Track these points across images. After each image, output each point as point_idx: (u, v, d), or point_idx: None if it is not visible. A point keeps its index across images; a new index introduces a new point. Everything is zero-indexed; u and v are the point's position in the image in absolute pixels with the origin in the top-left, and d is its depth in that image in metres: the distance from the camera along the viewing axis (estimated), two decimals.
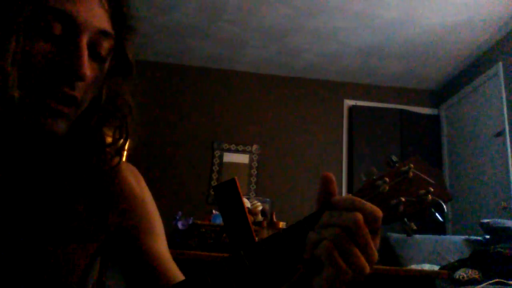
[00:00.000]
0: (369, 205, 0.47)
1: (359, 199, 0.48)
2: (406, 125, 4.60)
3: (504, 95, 3.62)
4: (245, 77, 4.73)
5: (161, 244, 0.69)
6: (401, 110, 4.66)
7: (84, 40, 0.55)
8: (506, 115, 3.56)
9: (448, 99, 4.57)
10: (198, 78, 4.68)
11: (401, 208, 0.51)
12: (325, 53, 4.23)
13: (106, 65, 0.60)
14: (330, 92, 4.77)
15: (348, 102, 4.76)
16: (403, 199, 0.51)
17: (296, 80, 4.77)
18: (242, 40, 4.10)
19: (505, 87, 3.62)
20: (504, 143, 3.53)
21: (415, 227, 0.51)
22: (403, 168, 0.53)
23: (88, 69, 0.54)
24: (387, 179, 0.52)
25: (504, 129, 3.56)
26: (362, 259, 0.45)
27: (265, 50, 4.26)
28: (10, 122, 0.54)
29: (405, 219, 0.51)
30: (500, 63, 3.71)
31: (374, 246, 0.46)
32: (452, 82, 4.54)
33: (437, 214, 0.51)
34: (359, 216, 0.45)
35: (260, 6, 3.53)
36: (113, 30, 0.59)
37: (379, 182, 0.52)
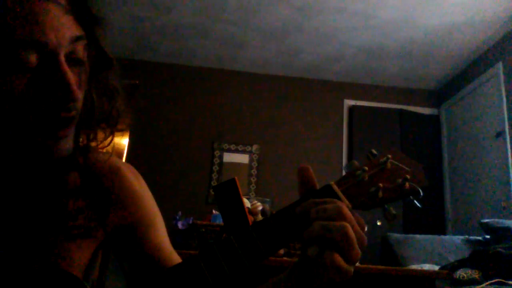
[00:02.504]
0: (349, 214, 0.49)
1: (345, 208, 0.49)
2: (406, 125, 4.60)
3: (504, 95, 3.62)
4: (245, 77, 4.72)
5: (162, 237, 0.70)
6: (401, 110, 4.66)
7: (63, 60, 0.53)
8: (506, 115, 3.56)
9: (448, 99, 4.57)
10: (198, 78, 4.68)
11: (380, 194, 0.53)
12: (325, 53, 4.23)
13: (87, 64, 0.59)
14: (330, 92, 4.77)
15: (348, 102, 4.76)
16: (381, 185, 0.53)
17: (296, 80, 4.77)
18: (242, 40, 4.10)
19: (505, 87, 3.62)
20: (504, 143, 3.53)
21: (394, 212, 0.53)
22: (382, 159, 0.56)
23: (77, 89, 0.53)
24: (366, 168, 0.55)
25: (504, 129, 3.55)
26: (345, 265, 0.47)
27: (265, 50, 4.26)
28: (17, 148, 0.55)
29: (385, 205, 0.54)
30: (500, 63, 3.71)
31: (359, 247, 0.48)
32: (452, 82, 4.54)
33: (416, 202, 0.54)
34: (348, 228, 0.47)
35: (260, 6, 3.53)
36: (82, 30, 0.57)
37: (359, 172, 0.55)
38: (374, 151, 0.58)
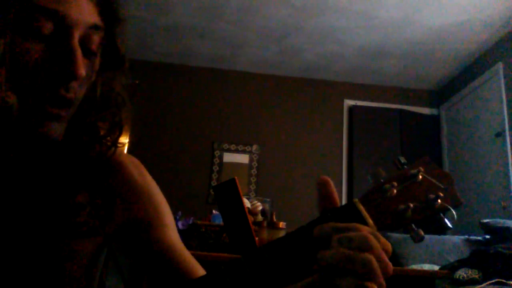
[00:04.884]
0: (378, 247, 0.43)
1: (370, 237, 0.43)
2: (406, 125, 4.59)
3: (504, 95, 3.62)
4: (245, 77, 4.72)
5: (172, 234, 0.67)
6: (401, 110, 4.66)
7: (76, 38, 0.53)
8: (506, 115, 3.56)
9: (448, 99, 4.57)
10: (198, 78, 4.68)
11: (409, 213, 0.48)
12: (325, 53, 4.23)
13: (98, 59, 0.59)
14: (330, 92, 4.77)
15: (348, 102, 4.76)
16: (411, 205, 0.48)
17: (296, 80, 4.77)
18: (242, 40, 4.10)
19: (505, 87, 3.62)
20: (504, 143, 3.53)
21: (423, 234, 0.48)
22: (412, 171, 0.51)
23: (82, 67, 0.53)
24: (395, 183, 0.50)
25: (504, 129, 3.55)
26: None
27: (265, 50, 4.26)
28: (6, 126, 0.53)
29: (413, 225, 0.49)
30: (500, 63, 3.71)
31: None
32: (452, 82, 4.54)
33: (446, 220, 0.49)
34: (373, 262, 0.42)
35: (260, 6, 3.53)
36: (103, 23, 0.58)
37: (387, 185, 0.50)
38: (403, 159, 0.52)
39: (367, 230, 0.44)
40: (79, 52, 0.53)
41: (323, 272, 0.45)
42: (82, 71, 0.53)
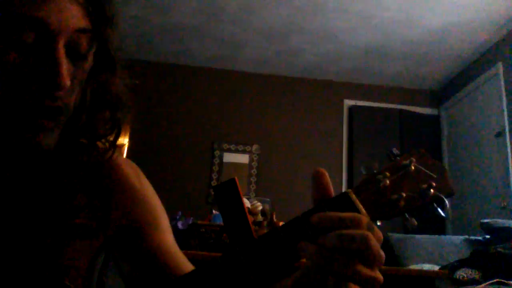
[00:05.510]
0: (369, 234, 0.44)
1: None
2: (406, 125, 4.59)
3: (504, 95, 3.62)
4: (245, 77, 4.72)
5: (167, 238, 0.67)
6: (401, 110, 4.66)
7: (61, 45, 0.51)
8: (506, 115, 3.56)
9: (448, 99, 4.57)
10: (198, 78, 4.68)
11: (402, 203, 0.49)
12: (325, 53, 4.23)
13: (88, 62, 0.57)
14: (330, 92, 4.77)
15: (348, 102, 4.76)
16: (404, 194, 0.49)
17: (296, 80, 4.77)
18: (242, 40, 4.10)
19: (505, 87, 3.62)
20: (504, 143, 3.53)
21: (416, 223, 0.49)
22: (405, 162, 0.52)
23: (67, 77, 0.51)
24: (387, 174, 0.51)
25: (504, 129, 3.55)
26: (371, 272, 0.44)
27: (265, 50, 4.26)
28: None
29: (406, 215, 0.50)
30: (500, 63, 3.71)
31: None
32: (452, 82, 4.54)
33: (439, 210, 0.50)
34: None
35: (260, 6, 3.53)
36: (90, 25, 0.55)
37: (380, 176, 0.51)
38: (396, 151, 0.53)
39: (366, 223, 0.45)
40: (63, 61, 0.51)
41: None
42: (67, 81, 0.51)
